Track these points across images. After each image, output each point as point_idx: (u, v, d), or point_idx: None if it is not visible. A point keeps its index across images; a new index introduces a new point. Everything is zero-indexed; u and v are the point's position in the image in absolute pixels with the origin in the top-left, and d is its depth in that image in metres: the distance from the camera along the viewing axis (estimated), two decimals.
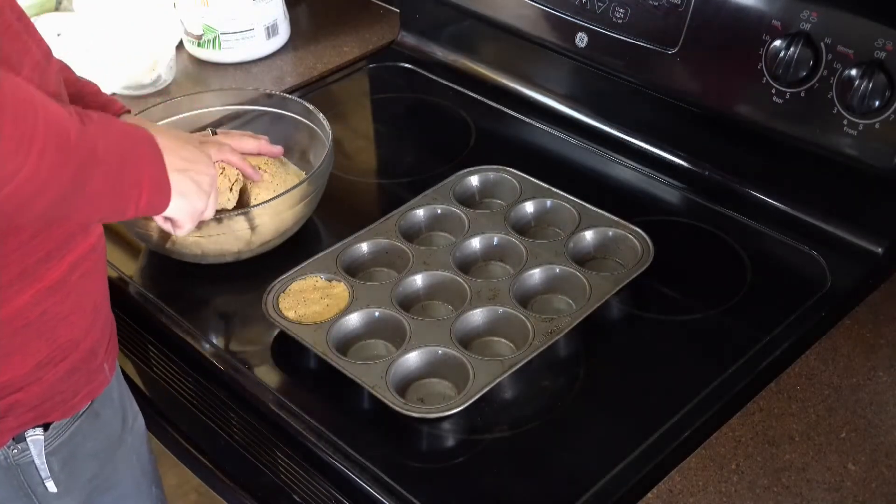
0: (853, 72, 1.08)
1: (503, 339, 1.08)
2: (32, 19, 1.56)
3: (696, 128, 1.31)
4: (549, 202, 1.24)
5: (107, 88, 1.26)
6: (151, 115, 1.29)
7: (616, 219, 1.19)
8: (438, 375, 1.04)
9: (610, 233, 1.18)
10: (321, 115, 1.29)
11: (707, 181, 1.30)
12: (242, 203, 1.19)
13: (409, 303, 1.12)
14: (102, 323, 1.03)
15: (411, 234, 1.21)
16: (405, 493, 0.94)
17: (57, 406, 0.99)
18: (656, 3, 1.23)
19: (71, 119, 0.81)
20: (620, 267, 1.15)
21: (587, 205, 1.22)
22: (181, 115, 1.32)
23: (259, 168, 1.20)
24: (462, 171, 1.29)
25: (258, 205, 1.17)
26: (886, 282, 1.14)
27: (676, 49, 1.23)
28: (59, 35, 1.57)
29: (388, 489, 0.94)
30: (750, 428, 0.99)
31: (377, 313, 1.10)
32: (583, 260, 1.17)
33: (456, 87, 1.53)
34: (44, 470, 1.01)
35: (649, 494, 0.93)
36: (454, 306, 1.11)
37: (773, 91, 1.15)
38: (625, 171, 1.35)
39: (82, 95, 1.09)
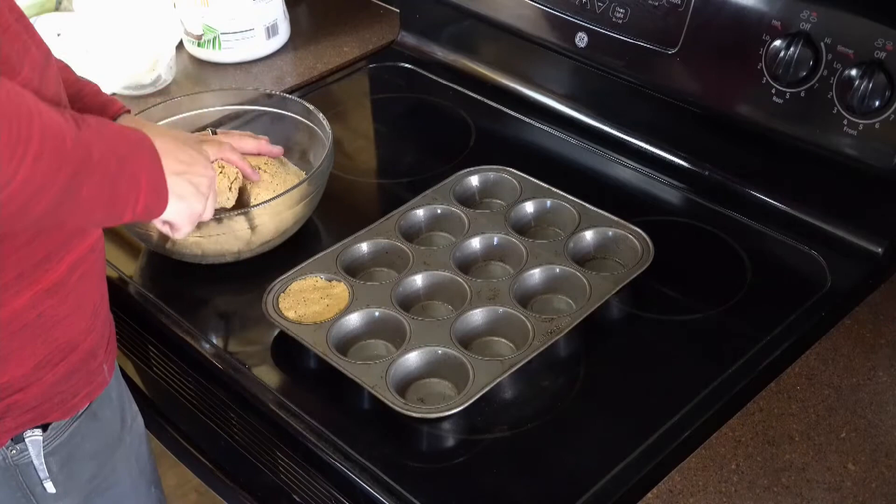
0: (853, 72, 1.08)
1: (503, 339, 1.08)
2: (32, 19, 1.57)
3: (696, 128, 1.31)
4: (549, 202, 1.24)
5: (107, 88, 1.26)
6: (151, 115, 1.29)
7: (616, 219, 1.19)
8: (438, 375, 1.04)
9: (610, 233, 1.19)
10: (321, 115, 1.29)
11: (707, 181, 1.30)
12: (242, 203, 1.19)
13: (409, 303, 1.12)
14: (101, 324, 1.03)
15: (411, 234, 1.21)
16: (405, 493, 0.94)
17: (56, 407, 0.99)
18: (656, 3, 1.23)
19: (67, 124, 0.80)
20: (620, 267, 1.15)
21: (587, 205, 1.22)
22: (181, 115, 1.32)
23: (259, 168, 1.21)
24: (462, 171, 1.29)
25: (258, 205, 1.17)
26: (886, 282, 1.14)
27: (676, 49, 1.23)
28: (59, 35, 1.57)
29: (388, 489, 0.94)
30: (750, 428, 0.99)
31: (377, 313, 1.10)
32: (583, 260, 1.17)
33: (456, 87, 1.53)
34: (42, 471, 1.01)
35: (649, 494, 0.93)
36: (454, 306, 1.11)
37: (773, 91, 1.15)
38: (625, 171, 1.35)
39: (82, 95, 1.09)
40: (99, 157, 0.83)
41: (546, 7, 1.35)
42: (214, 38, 1.60)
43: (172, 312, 1.16)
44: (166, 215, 0.96)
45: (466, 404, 0.98)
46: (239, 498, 1.16)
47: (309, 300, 1.11)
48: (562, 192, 1.24)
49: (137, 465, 1.14)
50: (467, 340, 1.07)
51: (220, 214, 1.15)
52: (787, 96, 1.14)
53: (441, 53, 1.59)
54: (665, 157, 1.34)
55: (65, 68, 1.08)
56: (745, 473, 0.95)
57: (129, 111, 1.13)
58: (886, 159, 1.09)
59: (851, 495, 0.93)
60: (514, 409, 1.03)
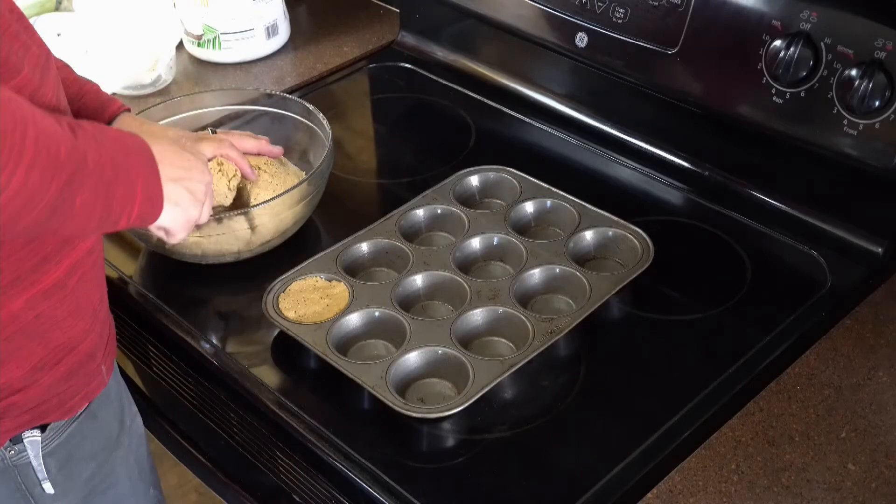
0: (853, 72, 1.08)
1: (503, 339, 1.08)
2: (32, 19, 1.58)
3: (696, 128, 1.31)
4: (549, 202, 1.24)
5: (107, 88, 1.26)
6: (151, 115, 1.29)
7: (616, 219, 1.19)
8: (438, 375, 1.04)
9: (610, 233, 1.19)
10: (321, 116, 1.29)
11: (707, 181, 1.30)
12: (242, 203, 1.19)
13: (409, 303, 1.12)
14: (100, 325, 1.02)
15: (411, 234, 1.21)
16: (405, 493, 0.94)
17: (54, 408, 0.99)
18: (656, 3, 1.23)
19: (62, 131, 0.80)
20: (620, 267, 1.15)
21: (587, 205, 1.22)
22: (181, 115, 1.32)
23: (259, 168, 1.21)
24: (462, 171, 1.29)
25: (258, 205, 1.17)
26: (886, 282, 1.14)
27: (676, 49, 1.23)
28: (59, 35, 1.57)
29: (388, 489, 0.94)
30: (750, 428, 0.99)
31: (377, 313, 1.10)
32: (583, 260, 1.17)
33: (456, 87, 1.53)
34: (41, 471, 1.00)
35: (649, 494, 0.93)
36: (454, 306, 1.11)
37: (773, 91, 1.15)
38: (625, 171, 1.35)
39: (82, 94, 1.08)
40: (94, 164, 0.83)
41: (546, 7, 1.35)
42: (214, 38, 1.60)
43: (172, 312, 1.16)
44: (161, 222, 0.95)
45: (466, 404, 0.98)
46: (239, 498, 1.16)
47: (309, 300, 1.11)
48: (562, 192, 1.24)
49: (136, 465, 1.14)
50: (467, 340, 1.07)
51: (219, 214, 1.15)
52: (787, 96, 1.14)
53: (441, 53, 1.59)
54: (665, 157, 1.34)
55: (64, 67, 1.08)
56: (745, 473, 0.95)
57: (128, 110, 1.13)
58: (886, 159, 1.09)
59: (851, 495, 0.93)
60: (514, 409, 1.03)
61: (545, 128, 1.43)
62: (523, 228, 1.22)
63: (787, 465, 0.95)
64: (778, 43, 1.12)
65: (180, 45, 1.65)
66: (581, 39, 1.32)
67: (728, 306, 1.13)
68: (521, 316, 1.07)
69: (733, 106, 1.20)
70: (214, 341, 1.14)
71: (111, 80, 1.52)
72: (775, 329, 1.09)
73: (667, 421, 0.99)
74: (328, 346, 1.05)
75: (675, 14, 1.22)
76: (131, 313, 1.21)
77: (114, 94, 1.52)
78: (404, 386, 1.03)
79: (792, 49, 1.11)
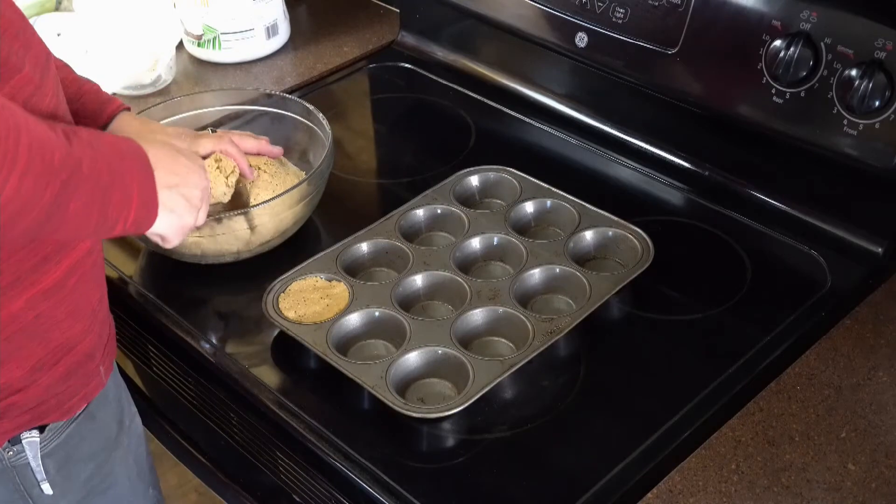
0: (853, 72, 1.07)
1: (503, 339, 1.08)
2: (32, 19, 1.58)
3: (696, 128, 1.31)
4: (549, 202, 1.24)
5: (107, 88, 1.26)
6: (151, 115, 1.29)
7: (616, 219, 1.19)
8: (438, 375, 1.04)
9: (610, 233, 1.19)
10: (321, 116, 1.29)
11: (707, 181, 1.30)
12: (242, 203, 1.19)
13: (409, 303, 1.12)
14: (100, 326, 1.02)
15: (411, 234, 1.21)
16: (405, 493, 0.94)
17: (53, 408, 0.99)
18: (656, 3, 1.23)
19: (56, 138, 0.80)
20: (620, 267, 1.15)
21: (587, 205, 1.22)
22: (181, 115, 1.32)
23: (259, 168, 1.21)
24: (462, 171, 1.29)
25: (257, 205, 1.17)
26: (886, 282, 1.14)
27: (676, 49, 1.23)
28: (59, 35, 1.57)
29: (388, 489, 0.94)
30: (750, 428, 0.99)
31: (377, 313, 1.10)
32: (583, 260, 1.17)
33: (456, 87, 1.53)
34: (39, 472, 1.00)
35: (649, 494, 0.93)
36: (454, 306, 1.11)
37: (773, 91, 1.15)
38: (625, 171, 1.35)
39: (81, 94, 1.08)
40: (89, 171, 0.83)
41: (546, 7, 1.35)
42: (214, 38, 1.60)
43: (172, 312, 1.16)
44: (156, 228, 0.95)
45: (466, 404, 0.98)
46: (239, 498, 1.16)
47: (309, 300, 1.11)
48: (562, 192, 1.24)
49: (136, 466, 1.13)
50: (467, 340, 1.07)
51: (219, 215, 1.14)
52: (787, 96, 1.14)
53: (441, 53, 1.59)
54: (665, 157, 1.34)
55: (64, 67, 1.08)
56: (745, 473, 0.95)
57: (128, 109, 1.13)
58: (886, 159, 1.09)
59: (851, 495, 0.93)
60: (514, 409, 1.03)
61: (545, 128, 1.43)
62: (523, 228, 1.22)
63: (787, 465, 0.95)
64: (778, 43, 1.12)
65: (180, 45, 1.65)
66: (581, 39, 1.32)
67: (728, 306, 1.13)
68: (521, 316, 1.07)
69: (733, 106, 1.20)
70: (214, 341, 1.14)
71: (111, 80, 1.52)
72: (775, 329, 1.09)
73: (667, 421, 0.99)
74: (328, 346, 1.05)
75: (675, 14, 1.22)
76: (131, 313, 1.21)
77: (114, 94, 1.52)
78: (404, 386, 1.03)
79: (792, 49, 1.11)
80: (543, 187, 1.26)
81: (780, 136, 1.17)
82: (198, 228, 1.06)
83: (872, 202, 1.17)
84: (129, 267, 1.24)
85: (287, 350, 1.09)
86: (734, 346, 1.08)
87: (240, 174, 1.17)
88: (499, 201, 1.27)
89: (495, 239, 1.19)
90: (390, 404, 0.98)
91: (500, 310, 1.09)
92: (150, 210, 0.92)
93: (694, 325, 1.11)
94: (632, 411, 1.02)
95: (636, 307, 1.13)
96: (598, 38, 1.30)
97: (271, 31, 1.62)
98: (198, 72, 1.62)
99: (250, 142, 1.21)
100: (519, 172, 1.28)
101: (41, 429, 0.99)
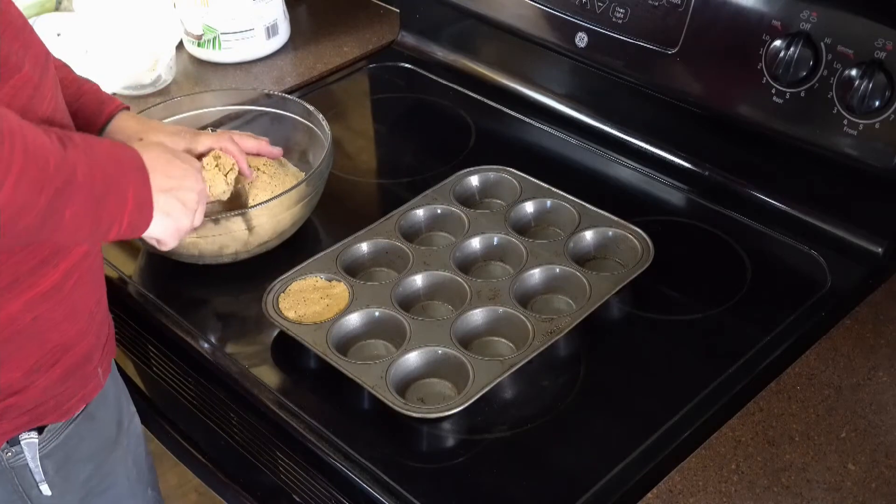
0: (853, 72, 1.07)
1: (503, 339, 1.08)
2: (32, 19, 1.57)
3: (696, 128, 1.31)
4: (549, 202, 1.24)
5: (107, 88, 1.26)
6: (151, 115, 1.29)
7: (616, 219, 1.19)
8: (438, 375, 1.04)
9: (610, 233, 1.19)
10: (321, 116, 1.29)
11: (707, 181, 1.30)
12: (240, 204, 1.19)
13: (409, 303, 1.12)
14: (97, 327, 1.02)
15: (411, 234, 1.21)
16: (405, 493, 0.94)
17: (51, 410, 0.99)
18: (656, 3, 1.23)
19: (51, 144, 0.80)
20: (620, 267, 1.15)
21: (587, 205, 1.22)
22: (181, 115, 1.32)
23: (258, 169, 1.20)
24: (462, 171, 1.29)
25: (256, 205, 1.17)
26: (886, 282, 1.14)
27: (676, 49, 1.23)
28: (59, 35, 1.57)
29: (388, 489, 0.94)
30: (750, 428, 0.99)
31: (377, 313, 1.10)
32: (583, 260, 1.17)
33: (456, 87, 1.53)
34: (38, 473, 1.00)
35: (649, 494, 0.93)
36: (454, 306, 1.11)
37: (773, 91, 1.15)
38: (625, 171, 1.35)
39: (80, 94, 1.08)
40: (83, 177, 0.83)
41: (546, 7, 1.35)
42: (214, 38, 1.60)
43: (172, 312, 1.16)
44: (152, 232, 0.95)
45: (466, 404, 0.98)
46: (239, 498, 1.16)
47: (309, 300, 1.11)
48: (562, 192, 1.24)
49: (135, 466, 1.13)
50: (467, 340, 1.07)
51: (217, 216, 1.14)
52: (787, 96, 1.14)
53: (441, 53, 1.59)
54: (665, 157, 1.34)
55: (63, 67, 1.08)
56: (745, 473, 0.95)
57: (127, 108, 1.13)
58: (886, 159, 1.09)
59: (851, 495, 0.93)
60: (514, 409, 1.03)
61: (545, 128, 1.43)
62: (523, 228, 1.22)
63: (787, 465, 0.95)
64: (778, 43, 1.12)
65: (180, 45, 1.65)
66: (581, 39, 1.32)
67: (728, 306, 1.13)
68: (521, 316, 1.07)
69: (733, 106, 1.20)
70: (214, 341, 1.14)
71: (111, 80, 1.52)
72: (775, 329, 1.09)
73: (667, 421, 0.99)
74: (328, 346, 1.05)
75: (675, 14, 1.22)
76: (131, 313, 1.21)
77: (114, 94, 1.52)
78: (404, 386, 1.03)
79: (792, 49, 1.11)
80: (543, 187, 1.26)
81: (780, 136, 1.17)
82: (195, 230, 1.06)
83: (872, 202, 1.17)
84: (128, 267, 1.24)
85: (287, 350, 1.09)
86: (734, 346, 1.08)
87: (238, 173, 1.17)
88: (499, 201, 1.27)
89: (495, 239, 1.19)
90: (390, 404, 0.98)
91: (500, 310, 1.09)
92: (145, 214, 0.92)
93: (694, 325, 1.11)
94: (632, 411, 1.02)
95: (636, 307, 1.13)
96: (598, 38, 1.30)
97: (271, 31, 1.62)
98: (198, 72, 1.62)
99: (250, 142, 1.21)
100: (519, 172, 1.28)
101: (40, 430, 0.99)
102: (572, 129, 1.42)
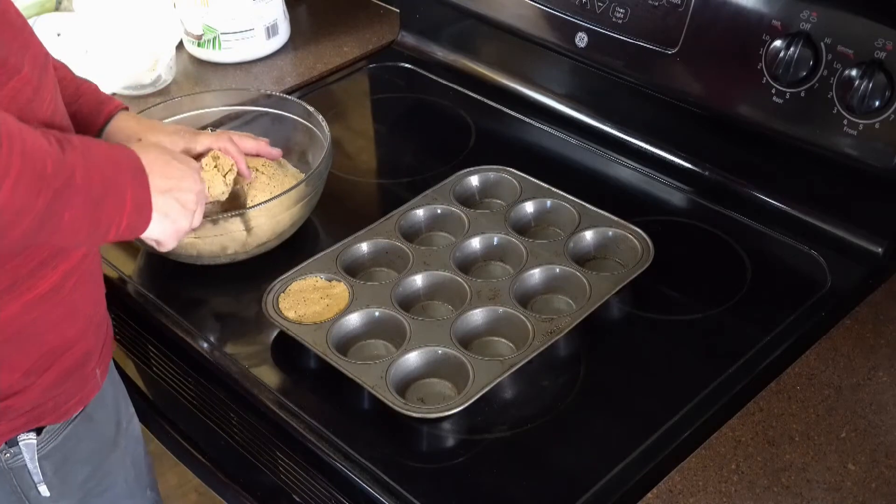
0: (853, 72, 1.07)
1: (503, 339, 1.08)
2: (32, 19, 1.57)
3: (696, 128, 1.31)
4: (549, 202, 1.24)
5: (107, 88, 1.26)
6: (151, 115, 1.29)
7: (616, 219, 1.19)
8: (438, 375, 1.04)
9: (610, 233, 1.18)
10: (320, 117, 1.29)
11: (707, 181, 1.30)
12: (239, 205, 1.19)
13: (409, 303, 1.12)
14: (96, 328, 1.02)
15: (411, 234, 1.21)
16: (405, 493, 0.94)
17: (50, 411, 0.99)
18: (656, 3, 1.23)
19: (49, 147, 0.80)
20: (620, 267, 1.15)
21: (587, 205, 1.22)
22: (181, 115, 1.32)
23: (256, 170, 1.20)
24: (462, 171, 1.29)
25: (254, 206, 1.17)
26: (886, 282, 1.14)
27: (676, 49, 1.23)
28: (59, 35, 1.57)
29: (388, 489, 0.94)
30: (750, 428, 0.99)
31: (377, 313, 1.10)
32: (583, 260, 1.17)
33: (456, 87, 1.53)
34: (36, 474, 1.00)
35: (649, 494, 0.93)
36: (454, 306, 1.11)
37: (773, 91, 1.15)
38: (625, 171, 1.35)
39: (79, 94, 1.08)
40: (82, 179, 0.83)
41: (546, 7, 1.35)
42: (214, 38, 1.60)
43: (172, 312, 1.16)
44: (151, 233, 0.95)
45: (466, 404, 0.98)
46: (239, 498, 1.16)
47: (309, 300, 1.11)
48: (562, 192, 1.24)
49: (133, 467, 1.13)
50: (467, 340, 1.07)
51: (215, 216, 1.14)
52: (787, 96, 1.14)
53: (441, 53, 1.59)
54: (665, 157, 1.34)
55: (62, 67, 1.08)
56: (745, 473, 0.95)
57: (126, 108, 1.13)
58: (886, 159, 1.09)
59: (851, 495, 0.93)
60: (514, 409, 1.03)
61: (545, 128, 1.43)
62: (523, 228, 1.22)
63: (787, 465, 0.95)
64: (778, 43, 1.12)
65: (180, 45, 1.65)
66: (581, 39, 1.32)
67: (728, 306, 1.13)
68: (521, 316, 1.07)
69: (733, 106, 1.20)
70: (214, 341, 1.14)
71: (111, 80, 1.52)
72: (775, 329, 1.09)
73: (667, 421, 0.99)
74: (328, 346, 1.05)
75: (675, 14, 1.22)
76: (131, 313, 1.21)
77: (114, 94, 1.52)
78: (404, 386, 1.03)
79: (792, 49, 1.11)
80: (543, 187, 1.26)
81: (780, 136, 1.17)
82: (194, 230, 1.06)
83: (872, 202, 1.17)
84: (128, 267, 1.24)
85: (287, 350, 1.09)
86: (734, 346, 1.08)
87: (237, 174, 1.17)
88: (499, 201, 1.27)
89: (495, 239, 1.19)
90: (390, 404, 0.98)
91: (500, 310, 1.09)
92: (144, 215, 0.92)
93: (694, 325, 1.11)
94: (632, 411, 1.02)
95: (636, 307, 1.13)
96: (598, 38, 1.30)
97: (271, 31, 1.62)
98: (198, 72, 1.62)
99: (249, 142, 1.20)
100: (519, 172, 1.28)
101: (38, 431, 0.99)
102: (572, 129, 1.42)
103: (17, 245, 0.86)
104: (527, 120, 1.45)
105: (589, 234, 1.19)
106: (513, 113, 1.47)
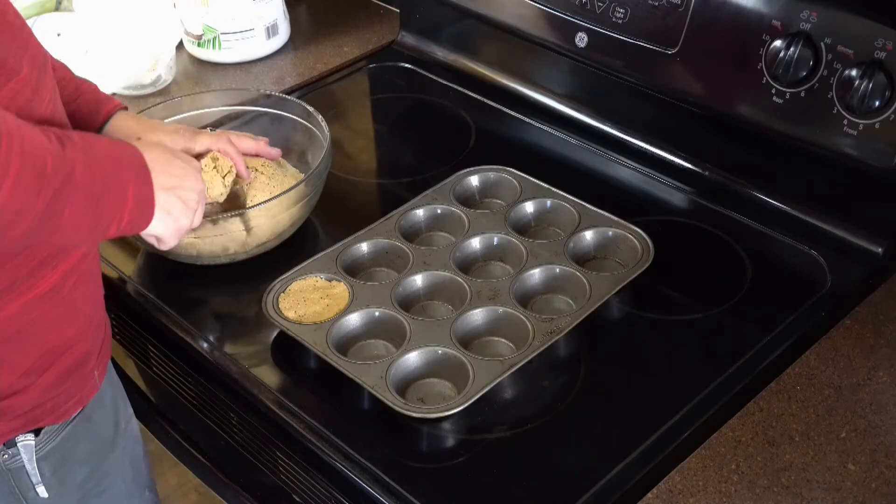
0: (853, 72, 1.07)
1: (503, 339, 1.08)
2: (32, 19, 1.57)
3: (696, 128, 1.31)
4: (549, 202, 1.24)
5: (107, 88, 1.26)
6: (151, 115, 1.29)
7: (616, 219, 1.19)
8: (438, 375, 1.04)
9: (610, 233, 1.18)
10: (320, 117, 1.29)
11: (707, 181, 1.30)
12: (239, 205, 1.19)
13: (409, 303, 1.12)
14: (95, 329, 1.02)
15: (411, 234, 1.21)
16: (405, 493, 0.94)
17: (48, 412, 0.99)
18: (656, 3, 1.23)
19: (49, 144, 0.80)
20: (620, 267, 1.15)
21: (587, 205, 1.22)
22: (181, 116, 1.32)
23: (256, 170, 1.20)
24: (462, 171, 1.29)
25: (254, 206, 1.17)
26: (886, 282, 1.14)
27: (676, 49, 1.23)
28: (59, 35, 1.57)
29: (388, 489, 0.94)
30: (750, 428, 0.99)
31: (377, 313, 1.10)
32: (583, 260, 1.17)
33: (456, 87, 1.53)
34: (35, 475, 1.00)
35: (649, 494, 0.93)
36: (454, 306, 1.11)
37: (773, 91, 1.15)
38: (625, 171, 1.35)
39: (79, 94, 1.08)
40: (82, 176, 0.83)
41: (546, 7, 1.35)
42: (214, 38, 1.60)
43: (172, 312, 1.16)
44: (152, 230, 0.95)
45: (466, 404, 0.98)
46: (239, 498, 1.16)
47: (309, 300, 1.11)
48: (562, 192, 1.24)
49: (132, 468, 1.13)
50: (467, 340, 1.07)
51: (215, 216, 1.14)
52: (787, 96, 1.14)
53: (441, 53, 1.59)
54: (665, 157, 1.34)
55: (61, 67, 1.08)
56: (745, 473, 0.95)
57: (125, 108, 1.13)
58: (886, 159, 1.09)
59: (851, 495, 0.93)
60: (514, 409, 1.03)
61: (545, 128, 1.43)
62: (523, 228, 1.22)
63: (787, 465, 0.95)
64: (778, 43, 1.12)
65: (180, 45, 1.65)
66: (581, 39, 1.32)
67: (728, 306, 1.13)
68: (521, 316, 1.07)
69: (733, 106, 1.20)
70: (214, 341, 1.14)
71: (111, 80, 1.52)
72: (775, 329, 1.09)
73: (667, 421, 0.99)
74: (328, 346, 1.05)
75: (675, 14, 1.22)
76: (131, 313, 1.21)
77: (114, 94, 1.52)
78: (404, 386, 1.03)
79: (792, 49, 1.11)
80: (543, 187, 1.26)
81: (780, 136, 1.17)
82: (194, 230, 1.06)
83: (872, 202, 1.17)
84: (128, 266, 1.24)
85: (287, 350, 1.09)
86: (734, 346, 1.08)
87: (236, 175, 1.17)
88: (499, 201, 1.27)
89: (495, 239, 1.19)
90: (390, 404, 0.98)
91: (500, 310, 1.09)
92: (146, 211, 0.92)
93: (694, 325, 1.11)
94: (632, 411, 1.02)
95: (636, 307, 1.13)
96: (598, 38, 1.30)
97: (271, 31, 1.62)
98: (198, 72, 1.62)
99: (248, 142, 1.20)
100: (519, 172, 1.28)
101: (36, 432, 0.99)
102: (572, 129, 1.42)
103: (17, 244, 0.86)
104: (527, 120, 1.45)
105: (589, 234, 1.19)
106: (513, 113, 1.47)
